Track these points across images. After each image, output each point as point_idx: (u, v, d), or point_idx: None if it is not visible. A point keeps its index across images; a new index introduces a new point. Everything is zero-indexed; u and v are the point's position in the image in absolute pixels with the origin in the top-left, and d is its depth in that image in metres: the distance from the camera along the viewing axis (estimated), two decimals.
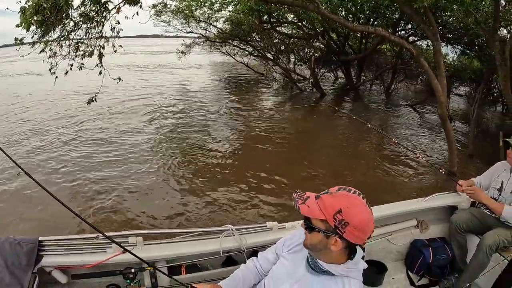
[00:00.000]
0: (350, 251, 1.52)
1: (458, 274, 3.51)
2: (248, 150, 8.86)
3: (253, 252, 2.49)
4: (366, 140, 10.49)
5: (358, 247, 1.57)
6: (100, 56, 6.91)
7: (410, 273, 3.70)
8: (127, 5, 6.36)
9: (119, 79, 7.12)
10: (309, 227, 1.51)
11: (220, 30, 18.79)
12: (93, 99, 7.40)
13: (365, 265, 1.63)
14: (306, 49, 17.88)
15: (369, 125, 4.92)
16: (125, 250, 2.19)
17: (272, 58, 18.56)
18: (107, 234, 2.29)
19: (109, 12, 6.54)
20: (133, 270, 2.33)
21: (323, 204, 1.45)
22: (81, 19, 6.51)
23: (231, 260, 2.73)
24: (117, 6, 6.37)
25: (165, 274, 2.41)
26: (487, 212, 3.49)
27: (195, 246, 2.52)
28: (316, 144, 9.81)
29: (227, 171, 7.58)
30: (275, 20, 16.20)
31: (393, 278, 3.62)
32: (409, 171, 8.31)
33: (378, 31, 8.63)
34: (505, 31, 10.56)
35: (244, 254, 2.53)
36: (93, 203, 6.04)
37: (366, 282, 3.38)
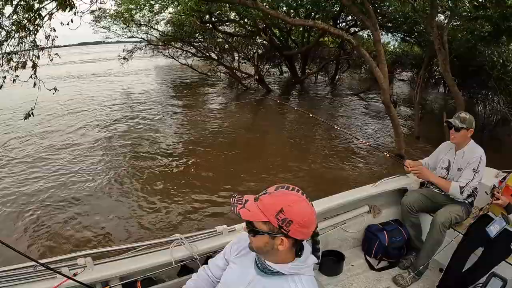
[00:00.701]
0: (297, 248, 1.50)
1: (415, 252, 3.60)
2: (197, 153, 8.65)
3: (207, 258, 2.45)
4: (315, 132, 10.61)
5: (305, 243, 1.56)
6: (34, 66, 6.55)
7: (368, 258, 3.76)
8: (61, 11, 6.13)
9: (55, 89, 6.75)
10: (253, 230, 1.46)
11: (161, 33, 18.50)
12: (30, 113, 6.99)
13: (315, 260, 1.61)
14: (249, 47, 17.86)
15: (310, 115, 4.95)
16: (67, 278, 2.08)
17: (216, 58, 18.43)
18: (55, 258, 2.21)
19: (43, 19, 6.27)
20: None
21: (263, 206, 1.41)
22: (14, 27, 6.22)
23: (186, 269, 2.67)
24: (50, 13, 6.14)
25: None
26: (437, 191, 3.61)
27: (147, 260, 2.44)
28: (266, 140, 9.82)
29: (175, 178, 7.37)
30: (216, 19, 16.12)
31: (352, 265, 3.66)
32: (359, 159, 8.47)
33: (317, 24, 8.75)
34: (442, 17, 10.96)
35: (198, 262, 2.47)
36: (34, 227, 5.67)
37: (327, 272, 3.43)
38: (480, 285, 2.51)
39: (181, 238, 2.51)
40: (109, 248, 2.47)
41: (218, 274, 1.92)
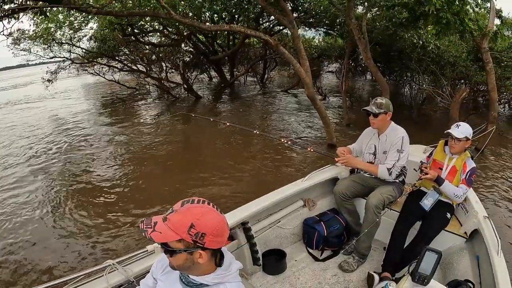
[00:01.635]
0: (216, 257, 1.51)
1: (356, 237, 3.64)
2: (132, 172, 8.28)
3: None
4: (247, 136, 10.45)
5: (224, 250, 1.58)
6: None
7: (310, 251, 3.81)
8: None
9: None
10: (169, 251, 1.45)
11: (85, 50, 17.96)
12: None
13: (240, 265, 1.62)
14: (176, 55, 17.75)
15: (227, 123, 5.00)
16: None
17: (144, 70, 18.05)
18: None
19: None
20: None
21: (173, 224, 1.39)
22: None
23: None
24: None
25: None
26: (367, 175, 3.74)
27: None
28: (199, 151, 9.61)
29: (106, 201, 6.95)
30: (139, 31, 15.93)
31: (296, 260, 3.70)
32: (292, 157, 8.57)
33: (233, 27, 8.92)
34: (360, 8, 11.42)
35: (135, 284, 2.39)
36: None
37: (271, 271, 3.43)
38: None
39: (113, 264, 2.42)
40: (42, 285, 2.34)
41: None
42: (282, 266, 3.54)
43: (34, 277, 4.88)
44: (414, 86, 14.03)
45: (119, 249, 5.30)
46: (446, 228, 3.32)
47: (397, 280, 2.81)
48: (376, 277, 3.12)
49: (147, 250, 2.59)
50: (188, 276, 1.54)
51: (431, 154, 3.62)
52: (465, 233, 3.30)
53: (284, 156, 8.63)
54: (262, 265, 3.44)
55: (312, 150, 4.35)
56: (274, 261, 3.54)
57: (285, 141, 5.00)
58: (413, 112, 11.88)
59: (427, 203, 3.24)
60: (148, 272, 1.89)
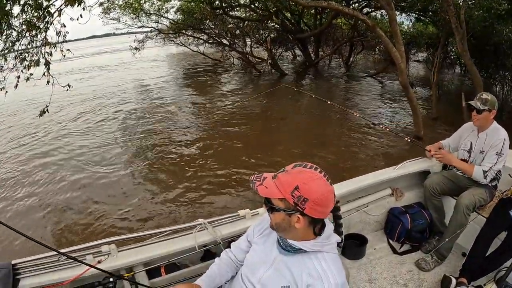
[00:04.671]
0: (315, 226, 1.51)
1: (438, 236, 3.54)
2: (214, 142, 8.62)
3: (230, 242, 2.43)
4: (331, 116, 10.50)
5: (327, 221, 1.58)
6: (47, 63, 6.52)
7: (391, 242, 3.73)
8: (70, 7, 6.09)
9: (69, 86, 6.76)
10: (270, 207, 1.49)
11: (172, 21, 18.42)
12: (45, 110, 6.97)
13: (338, 238, 1.61)
14: (261, 31, 17.73)
15: (328, 102, 4.87)
16: (90, 266, 2.09)
17: (228, 43, 18.32)
18: (79, 246, 2.23)
19: (52, 15, 6.23)
20: (111, 279, 2.20)
21: (280, 183, 1.43)
22: (24, 27, 6.19)
23: (209, 254, 2.68)
24: (59, 9, 6.10)
25: (138, 284, 2.33)
26: (460, 173, 3.54)
27: (170, 246, 2.44)
28: (283, 127, 9.73)
29: (195, 166, 7.35)
30: (226, 4, 16.02)
31: (375, 249, 3.64)
32: (378, 142, 8.37)
33: (331, 5, 8.60)
34: None
35: (221, 246, 2.48)
36: (63, 216, 5.74)
37: (349, 256, 3.41)
38: (505, 269, 2.47)
39: (204, 223, 2.50)
40: (132, 234, 2.47)
41: (241, 257, 1.93)
42: (361, 252, 3.52)
43: (128, 227, 5.32)
44: (506, 87, 13.15)
45: (205, 211, 5.66)
46: None
47: None
48: (454, 281, 3.00)
49: (238, 215, 2.66)
50: (287, 240, 1.56)
51: None
52: None
53: (370, 142, 8.50)
54: (342, 248, 3.44)
55: (409, 140, 4.14)
56: (354, 246, 3.52)
57: (383, 127, 4.81)
58: (503, 114, 11.15)
59: None
60: (236, 236, 1.90)
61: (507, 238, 3.03)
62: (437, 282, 3.19)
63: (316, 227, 1.51)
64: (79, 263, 2.17)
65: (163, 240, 2.48)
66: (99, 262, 2.25)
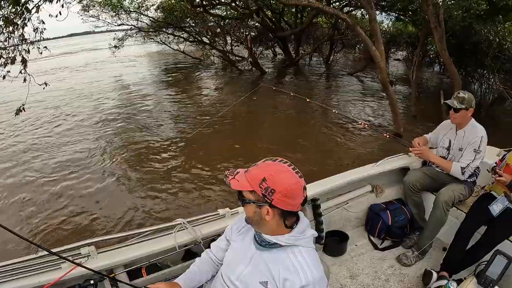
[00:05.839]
0: (286, 219, 1.53)
1: (418, 232, 3.60)
2: (193, 141, 8.51)
3: (211, 241, 2.42)
4: (311, 115, 10.56)
5: (302, 215, 1.61)
6: (24, 61, 6.42)
7: (372, 238, 3.77)
8: (48, 3, 6.01)
9: (45, 84, 6.65)
10: (242, 199, 1.54)
11: (152, 19, 18.27)
12: (21, 108, 6.85)
13: (315, 233, 1.62)
14: (242, 29, 17.73)
15: (307, 100, 4.90)
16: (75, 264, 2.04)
17: (208, 42, 18.24)
18: (58, 249, 2.17)
19: (30, 12, 6.14)
20: (92, 282, 2.19)
21: (250, 176, 1.49)
22: (1, 23, 6.09)
23: (190, 253, 2.68)
24: (37, 5, 6.01)
25: (120, 283, 2.29)
26: (439, 170, 3.59)
27: (150, 246, 2.43)
28: (263, 126, 9.74)
29: (173, 165, 7.29)
30: (207, 2, 15.95)
31: (356, 245, 3.68)
32: (359, 139, 8.45)
33: (311, 3, 8.65)
34: None
35: (201, 245, 2.48)
36: (39, 218, 5.58)
37: (331, 252, 3.43)
38: (485, 263, 2.53)
39: (184, 223, 2.50)
40: (112, 235, 2.44)
41: (221, 256, 1.95)
42: (342, 248, 3.55)
43: (106, 228, 5.23)
44: (484, 84, 13.38)
45: (184, 211, 5.60)
46: (511, 238, 3.13)
47: (457, 282, 2.79)
48: (434, 275, 3.04)
49: (218, 214, 2.68)
50: (262, 235, 1.59)
51: (503, 157, 3.39)
52: None
53: (350, 139, 8.55)
54: (323, 245, 3.46)
55: (388, 136, 4.18)
56: (335, 243, 3.56)
57: (362, 123, 4.86)
58: (481, 111, 11.32)
59: (495, 208, 3.06)
60: (216, 235, 1.91)
61: (486, 233, 3.09)
62: (418, 276, 3.24)
63: (287, 220, 1.53)
64: (57, 267, 2.15)
65: (143, 241, 2.46)
66: (78, 264, 2.21)
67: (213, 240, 2.11)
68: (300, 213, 1.60)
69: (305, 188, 1.50)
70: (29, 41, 6.50)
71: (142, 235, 2.47)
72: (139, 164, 7.32)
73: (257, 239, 1.63)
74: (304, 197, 1.50)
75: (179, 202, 5.86)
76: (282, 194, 1.42)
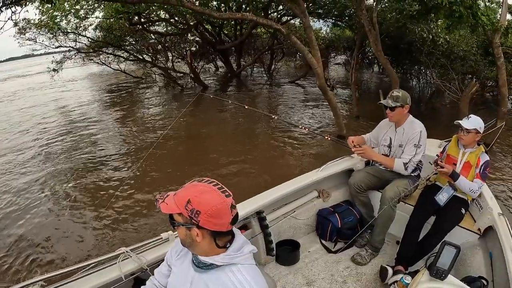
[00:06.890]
0: (217, 239, 1.50)
1: (370, 230, 3.66)
2: (135, 163, 8.17)
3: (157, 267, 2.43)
4: (256, 124, 10.59)
5: (237, 232, 1.59)
6: None
7: (324, 242, 3.81)
8: None
9: None
10: (172, 223, 1.52)
11: (91, 39, 17.88)
12: None
13: (254, 249, 1.59)
14: (182, 45, 17.66)
15: (246, 107, 4.98)
16: None
17: (149, 59, 17.98)
18: None
19: None
20: None
21: (177, 198, 1.46)
22: None
23: (140, 281, 2.54)
24: None
25: None
26: (382, 168, 3.70)
27: (97, 279, 2.32)
28: (208, 140, 9.54)
29: (115, 191, 6.83)
30: (145, 20, 15.84)
31: (309, 251, 3.70)
32: (303, 146, 8.55)
33: (244, 16, 8.85)
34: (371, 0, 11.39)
35: (149, 272, 2.39)
36: None
37: (284, 262, 3.42)
38: (434, 255, 2.61)
39: (126, 251, 2.41)
40: (54, 272, 2.30)
41: (164, 281, 1.92)
42: (295, 257, 3.55)
43: (45, 266, 4.87)
44: (422, 80, 13.97)
45: (132, 238, 5.34)
46: (460, 224, 3.29)
47: (411, 274, 2.82)
48: (390, 270, 3.12)
49: (161, 238, 2.59)
50: (198, 257, 1.56)
51: (444, 149, 3.58)
52: (479, 229, 3.26)
53: (294, 145, 8.63)
54: (275, 256, 3.45)
55: (329, 138, 4.33)
56: (287, 252, 3.55)
57: (303, 128, 4.98)
58: (421, 105, 11.81)
59: (442, 198, 3.22)
60: (162, 260, 1.90)
61: (435, 223, 3.23)
62: (375, 274, 3.31)
63: (218, 240, 1.50)
64: None
65: (88, 274, 2.34)
66: None
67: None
68: (236, 230, 1.58)
69: (233, 207, 1.47)
70: None
71: (86, 268, 2.36)
72: (77, 191, 6.98)
73: (195, 261, 1.60)
74: (233, 216, 1.48)
75: (121, 231, 5.58)
76: (207, 214, 1.40)
